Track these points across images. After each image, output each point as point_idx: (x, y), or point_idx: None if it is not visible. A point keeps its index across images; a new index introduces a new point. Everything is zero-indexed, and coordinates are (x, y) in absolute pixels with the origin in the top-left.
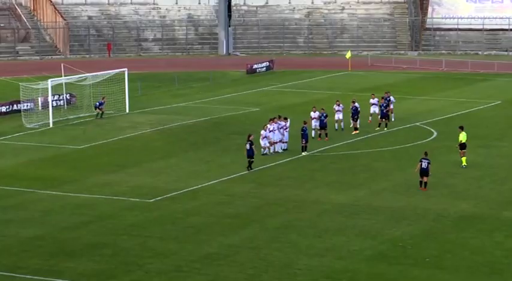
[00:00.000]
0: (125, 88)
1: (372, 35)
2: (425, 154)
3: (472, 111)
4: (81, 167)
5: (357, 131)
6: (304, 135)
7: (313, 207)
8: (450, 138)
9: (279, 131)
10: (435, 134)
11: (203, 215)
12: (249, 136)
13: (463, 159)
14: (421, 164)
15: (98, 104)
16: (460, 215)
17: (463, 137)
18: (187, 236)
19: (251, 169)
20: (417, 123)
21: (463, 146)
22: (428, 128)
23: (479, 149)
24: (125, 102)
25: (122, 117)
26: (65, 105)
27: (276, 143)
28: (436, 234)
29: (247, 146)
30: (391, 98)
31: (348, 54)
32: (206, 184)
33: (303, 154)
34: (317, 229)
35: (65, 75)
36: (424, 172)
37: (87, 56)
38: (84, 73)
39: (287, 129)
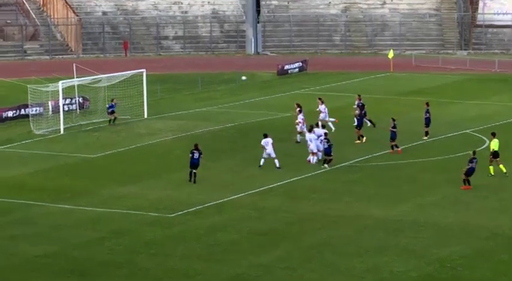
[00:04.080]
0: (142, 91)
1: (416, 32)
2: (474, 152)
3: None
4: (95, 178)
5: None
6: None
7: (351, 223)
8: (504, 148)
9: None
10: (487, 142)
11: (230, 232)
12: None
13: (501, 167)
14: (472, 165)
15: (108, 107)
16: None
17: (495, 144)
18: (212, 255)
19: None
20: (467, 131)
21: (495, 154)
22: (480, 135)
23: None
24: (143, 107)
25: (139, 123)
26: (77, 110)
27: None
28: (489, 254)
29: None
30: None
31: (390, 54)
32: (233, 197)
33: (325, 166)
34: (356, 247)
35: (77, 77)
36: (472, 172)
37: (102, 55)
38: (98, 74)
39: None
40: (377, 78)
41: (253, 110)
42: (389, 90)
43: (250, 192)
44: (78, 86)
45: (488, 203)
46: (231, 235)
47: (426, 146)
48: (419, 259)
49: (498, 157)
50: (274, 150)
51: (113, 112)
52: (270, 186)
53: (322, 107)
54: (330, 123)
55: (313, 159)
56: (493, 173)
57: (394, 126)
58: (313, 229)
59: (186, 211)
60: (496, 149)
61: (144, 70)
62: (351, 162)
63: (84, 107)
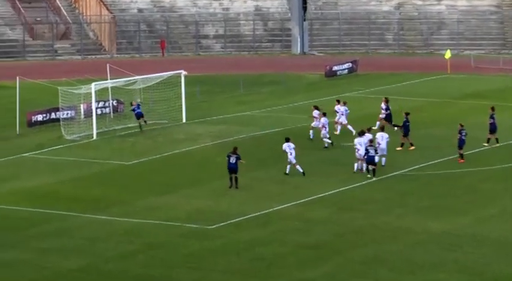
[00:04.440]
0: (181, 93)
1: (475, 31)
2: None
3: None
4: (130, 187)
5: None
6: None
7: (405, 237)
8: None
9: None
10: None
11: (275, 245)
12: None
13: None
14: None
15: (134, 110)
16: None
17: None
18: (255, 270)
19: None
20: None
21: None
22: None
23: None
24: (181, 110)
25: (177, 128)
26: (111, 114)
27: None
28: None
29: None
30: (342, 109)
31: (447, 54)
32: (278, 207)
33: (371, 177)
34: (410, 263)
35: (110, 78)
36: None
37: (137, 55)
38: (133, 76)
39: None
40: (433, 80)
41: (299, 114)
42: (445, 93)
43: (296, 202)
44: (112, 88)
45: None
46: (275, 249)
47: (486, 153)
48: (477, 276)
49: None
50: (296, 155)
51: (140, 116)
52: (318, 196)
53: (341, 108)
54: (350, 126)
55: (363, 166)
56: None
57: (460, 132)
58: (363, 243)
59: (226, 222)
60: None
61: (182, 71)
62: (405, 170)
63: (118, 110)
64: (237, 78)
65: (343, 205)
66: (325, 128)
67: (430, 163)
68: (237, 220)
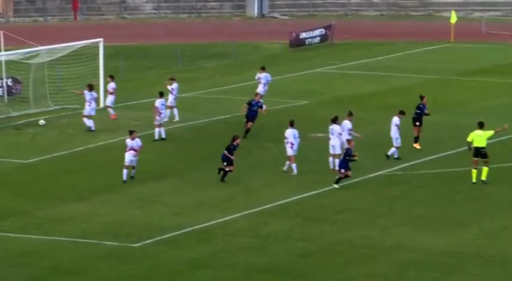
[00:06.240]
0: (98, 69)
1: None
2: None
3: None
4: (29, 193)
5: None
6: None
7: (391, 256)
8: None
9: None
10: None
11: (218, 268)
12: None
13: (484, 170)
14: None
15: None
16: None
17: (478, 139)
18: None
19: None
20: None
21: (478, 152)
22: None
23: None
24: (99, 92)
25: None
26: (5, 96)
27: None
28: None
29: None
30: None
31: (453, 17)
32: (225, 218)
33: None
34: None
35: (5, 49)
36: None
37: (41, 19)
38: (36, 46)
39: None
40: (431, 52)
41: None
42: (448, 68)
43: (247, 212)
44: (7, 62)
45: None
46: (219, 274)
47: (495, 147)
48: None
49: (485, 158)
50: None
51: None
52: (276, 203)
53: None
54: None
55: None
56: (485, 179)
57: None
58: (336, 265)
59: (156, 238)
60: (481, 145)
61: (101, 40)
62: (391, 170)
63: (14, 91)
64: (173, 50)
65: (309, 215)
66: None
67: (425, 159)
68: (170, 235)
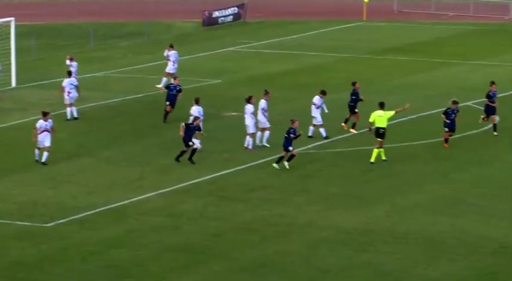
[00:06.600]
0: (10, 49)
1: None
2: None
3: None
4: None
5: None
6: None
7: (304, 234)
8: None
9: (263, 115)
10: (497, 119)
11: (132, 248)
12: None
13: (381, 152)
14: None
15: None
16: None
17: (379, 119)
18: None
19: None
20: (468, 103)
21: (378, 132)
22: None
23: None
24: (10, 71)
25: (3, 95)
26: None
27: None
28: (497, 275)
29: None
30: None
31: None
32: (138, 197)
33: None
34: (311, 268)
35: None
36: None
37: None
38: None
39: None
40: (344, 30)
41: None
42: (361, 47)
43: (161, 191)
44: None
45: (496, 204)
46: (133, 253)
47: (412, 124)
48: None
49: (383, 138)
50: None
51: None
52: (190, 182)
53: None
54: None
55: (249, 142)
56: (385, 158)
57: (449, 111)
58: (249, 243)
59: (70, 218)
60: (382, 126)
61: (12, 19)
62: (305, 148)
63: None
64: (86, 28)
65: (223, 193)
66: None
67: (339, 137)
68: (83, 215)
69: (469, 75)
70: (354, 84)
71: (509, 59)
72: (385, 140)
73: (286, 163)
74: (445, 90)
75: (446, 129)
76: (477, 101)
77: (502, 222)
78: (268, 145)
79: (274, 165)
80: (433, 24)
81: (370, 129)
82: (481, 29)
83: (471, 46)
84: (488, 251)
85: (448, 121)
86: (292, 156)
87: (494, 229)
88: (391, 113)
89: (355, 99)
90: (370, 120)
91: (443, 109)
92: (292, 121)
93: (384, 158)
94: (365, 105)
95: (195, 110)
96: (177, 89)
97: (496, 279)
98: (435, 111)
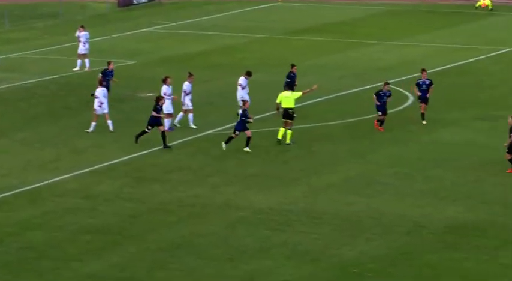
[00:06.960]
0: None
1: None
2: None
3: (467, 64)
4: None
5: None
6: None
7: (221, 215)
8: (437, 106)
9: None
10: (411, 99)
11: (48, 229)
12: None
13: (288, 133)
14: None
15: None
16: (448, 225)
17: (286, 100)
18: (23, 263)
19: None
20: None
21: (286, 113)
22: (401, 89)
23: (478, 123)
24: None
25: None
26: None
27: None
28: (412, 254)
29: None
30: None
31: None
32: (53, 179)
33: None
34: (227, 248)
35: None
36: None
37: None
38: None
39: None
40: (259, 11)
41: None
42: (275, 28)
43: (76, 173)
44: None
45: (411, 184)
46: (48, 234)
47: (329, 104)
48: (314, 263)
49: (291, 119)
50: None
51: None
52: (105, 164)
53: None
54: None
55: (167, 123)
56: (289, 141)
57: (381, 94)
58: (166, 224)
59: None
60: (289, 106)
61: None
62: (222, 128)
63: None
64: (0, 9)
65: (139, 175)
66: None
67: (256, 117)
68: None
69: (384, 56)
70: (292, 66)
71: (423, 39)
72: (294, 121)
73: (246, 148)
74: (360, 70)
75: (380, 113)
76: (392, 80)
77: (417, 201)
78: (195, 126)
79: (223, 144)
80: (348, 5)
81: (278, 109)
82: (397, 9)
83: (386, 26)
84: (403, 230)
85: (378, 103)
86: (249, 138)
87: (409, 209)
88: (298, 94)
89: (289, 82)
90: (277, 101)
91: (372, 89)
92: (244, 102)
93: (288, 141)
94: (275, 85)
95: (100, 92)
96: (112, 74)
97: (412, 258)
98: (351, 91)
